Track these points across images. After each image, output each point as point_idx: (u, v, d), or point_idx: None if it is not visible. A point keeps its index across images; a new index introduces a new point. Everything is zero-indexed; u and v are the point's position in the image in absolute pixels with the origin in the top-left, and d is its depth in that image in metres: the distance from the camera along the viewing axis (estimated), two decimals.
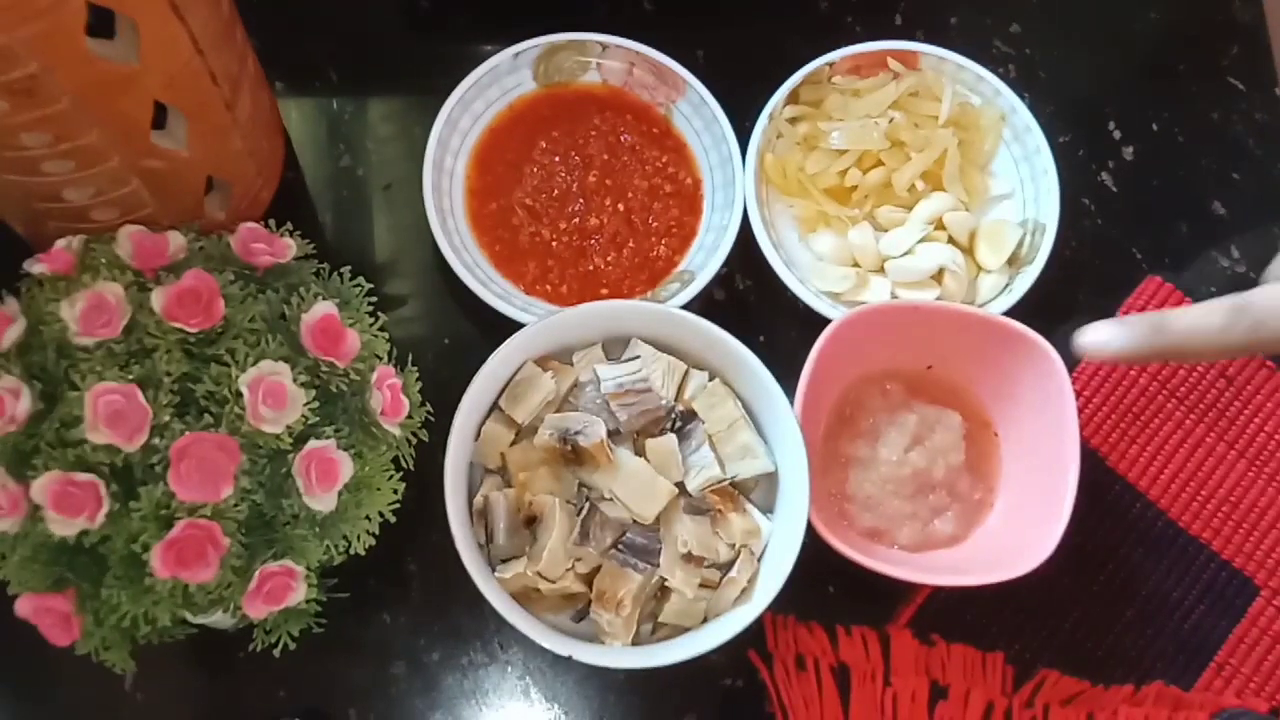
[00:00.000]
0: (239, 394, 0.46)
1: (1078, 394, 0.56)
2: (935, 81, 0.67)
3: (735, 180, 0.63)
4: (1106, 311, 0.65)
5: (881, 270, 0.64)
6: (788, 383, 0.54)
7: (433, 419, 0.55)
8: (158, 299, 0.48)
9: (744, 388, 0.56)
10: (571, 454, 0.53)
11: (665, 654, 0.51)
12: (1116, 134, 0.71)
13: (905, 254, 0.63)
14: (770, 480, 0.56)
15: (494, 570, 0.52)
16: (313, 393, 0.49)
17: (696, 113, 0.66)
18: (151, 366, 0.47)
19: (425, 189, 0.61)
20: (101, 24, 0.44)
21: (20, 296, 0.50)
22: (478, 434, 0.55)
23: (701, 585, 0.53)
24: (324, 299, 0.51)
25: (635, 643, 0.52)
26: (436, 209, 0.61)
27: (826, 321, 0.56)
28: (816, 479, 0.53)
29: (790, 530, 0.52)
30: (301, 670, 0.55)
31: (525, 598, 0.53)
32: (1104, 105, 0.72)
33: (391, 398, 0.51)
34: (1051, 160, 0.64)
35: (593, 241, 0.64)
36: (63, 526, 0.44)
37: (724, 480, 0.54)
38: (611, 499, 0.53)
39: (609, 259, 0.63)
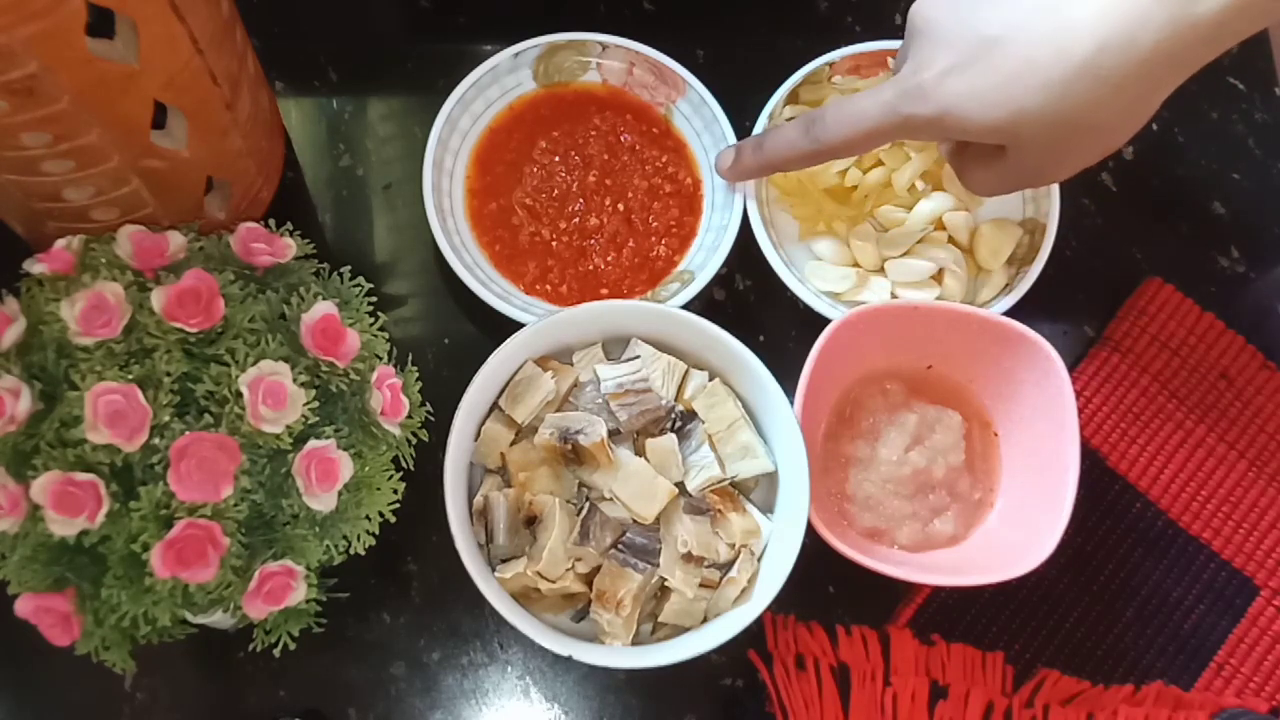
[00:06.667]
0: (239, 394, 0.46)
1: (1078, 394, 0.56)
2: None
3: None
4: (1107, 312, 0.65)
5: (881, 270, 0.64)
6: (788, 383, 0.54)
7: (433, 419, 0.55)
8: (158, 299, 0.48)
9: (744, 388, 0.56)
10: (572, 454, 0.53)
11: (665, 654, 0.51)
12: None
13: (905, 254, 0.63)
14: (770, 480, 0.56)
15: (494, 570, 0.52)
16: (313, 393, 0.48)
17: (696, 113, 0.66)
18: (151, 366, 0.47)
19: (425, 189, 0.61)
20: (101, 24, 0.44)
21: (20, 296, 0.50)
22: (478, 434, 0.55)
23: (701, 585, 0.53)
24: (324, 299, 0.51)
25: (635, 643, 0.52)
26: (436, 209, 0.61)
27: (826, 321, 0.56)
28: (816, 479, 0.53)
29: (790, 530, 0.52)
30: (301, 670, 0.55)
31: (525, 598, 0.53)
32: None
33: (391, 398, 0.51)
34: None
35: (593, 241, 0.64)
36: (63, 526, 0.44)
37: (724, 480, 0.54)
38: (611, 499, 0.53)
39: (609, 259, 0.63)
